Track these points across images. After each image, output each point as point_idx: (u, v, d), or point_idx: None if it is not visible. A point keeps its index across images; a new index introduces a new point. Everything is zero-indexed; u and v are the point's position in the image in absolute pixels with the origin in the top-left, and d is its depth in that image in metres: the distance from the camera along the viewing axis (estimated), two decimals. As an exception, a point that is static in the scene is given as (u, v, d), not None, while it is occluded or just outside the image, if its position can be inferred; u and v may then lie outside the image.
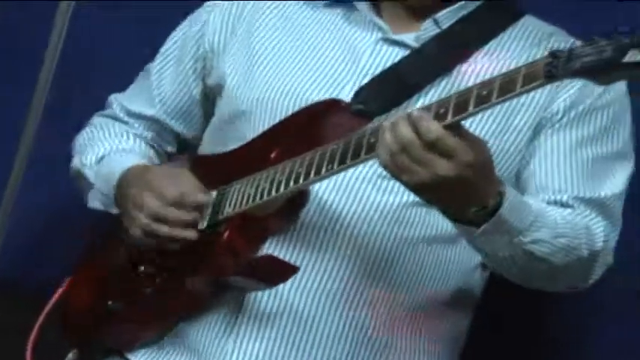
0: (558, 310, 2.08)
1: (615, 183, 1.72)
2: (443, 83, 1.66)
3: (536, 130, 1.69)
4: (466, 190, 1.45)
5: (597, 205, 1.69)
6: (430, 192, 1.46)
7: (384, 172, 1.46)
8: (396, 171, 1.44)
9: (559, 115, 1.68)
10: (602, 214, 1.69)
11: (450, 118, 1.39)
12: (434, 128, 1.39)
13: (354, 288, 1.65)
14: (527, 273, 1.64)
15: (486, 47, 1.70)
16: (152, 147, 1.89)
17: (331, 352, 1.67)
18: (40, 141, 2.16)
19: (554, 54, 1.34)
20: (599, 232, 1.67)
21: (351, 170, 1.55)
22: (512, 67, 1.44)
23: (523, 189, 1.68)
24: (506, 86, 1.37)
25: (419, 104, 1.59)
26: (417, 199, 1.51)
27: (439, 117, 1.40)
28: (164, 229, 1.64)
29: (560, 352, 2.17)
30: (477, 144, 1.43)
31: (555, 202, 1.67)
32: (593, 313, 2.12)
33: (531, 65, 1.37)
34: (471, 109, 1.38)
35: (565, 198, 1.68)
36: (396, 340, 1.70)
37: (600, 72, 1.32)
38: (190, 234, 1.63)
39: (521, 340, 2.11)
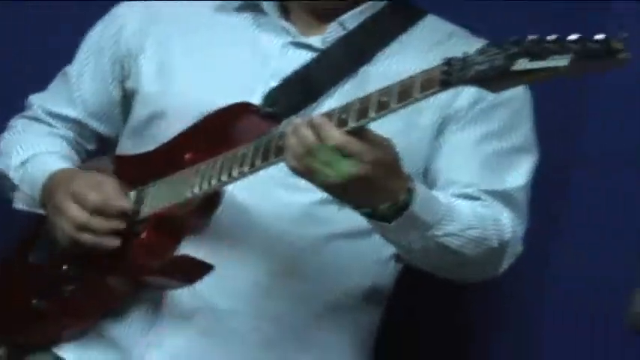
0: (471, 300, 2.18)
1: (520, 175, 1.81)
2: (348, 85, 1.73)
3: (441, 127, 1.77)
4: (375, 188, 1.53)
5: (503, 197, 1.77)
6: (340, 191, 1.53)
7: None
8: (304, 173, 1.51)
9: (462, 112, 1.76)
10: (509, 205, 1.77)
11: (351, 124, 1.47)
12: (334, 134, 1.47)
13: (269, 284, 1.73)
14: (440, 264, 1.72)
15: (388, 48, 1.77)
16: (73, 147, 1.94)
17: (248, 345, 1.75)
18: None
19: (449, 62, 1.43)
20: (507, 223, 1.76)
21: (262, 171, 1.62)
22: (412, 68, 1.52)
23: (431, 184, 1.75)
24: (404, 93, 1.45)
25: (326, 106, 1.66)
26: (328, 196, 1.58)
27: (341, 122, 1.48)
28: (87, 238, 1.71)
29: (472, 342, 2.27)
30: (381, 143, 1.51)
31: (464, 196, 1.74)
32: (503, 302, 2.23)
33: (427, 73, 1.45)
34: (372, 115, 1.46)
35: (472, 191, 1.76)
36: (312, 332, 1.78)
37: (491, 80, 1.40)
38: (113, 242, 1.71)
39: (434, 332, 2.22)
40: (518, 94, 1.76)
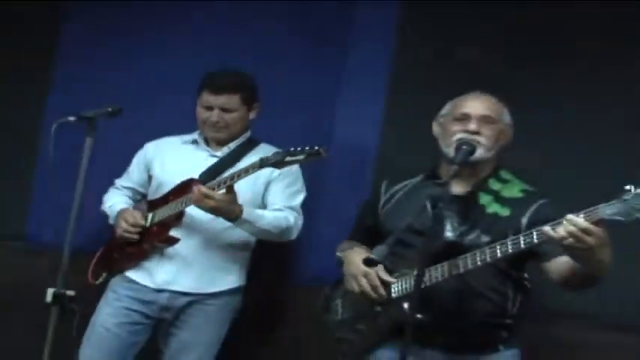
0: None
1: (299, 199, 4.31)
2: (231, 170, 4.15)
3: (268, 183, 4.26)
4: (228, 211, 4.04)
5: (292, 208, 4.27)
6: (217, 213, 4.05)
7: None
8: (201, 206, 4.03)
9: (275, 177, 4.25)
10: (294, 211, 4.27)
11: (228, 183, 3.99)
12: (214, 192, 4.00)
13: (204, 243, 4.22)
14: (265, 236, 4.24)
15: (247, 155, 4.28)
16: (130, 198, 4.51)
17: (197, 267, 4.18)
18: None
19: (261, 159, 3.91)
20: (291, 218, 4.21)
21: (199, 203, 4.25)
22: (250, 162, 4.10)
23: (266, 206, 4.28)
24: (247, 171, 3.95)
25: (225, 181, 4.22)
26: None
27: (219, 185, 4.03)
28: (127, 235, 4.25)
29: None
30: (232, 195, 4.01)
31: (277, 210, 4.24)
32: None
33: (254, 162, 3.93)
34: (234, 180, 3.98)
35: (280, 207, 4.26)
36: (223, 261, 4.23)
37: (277, 164, 3.88)
38: (135, 237, 4.24)
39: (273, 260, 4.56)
40: (296, 168, 4.26)
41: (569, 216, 3.18)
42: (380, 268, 3.69)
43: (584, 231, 3.15)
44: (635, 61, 4.23)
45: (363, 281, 3.67)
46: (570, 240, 3.17)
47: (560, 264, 3.45)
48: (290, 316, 4.60)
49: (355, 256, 3.79)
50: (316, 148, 3.74)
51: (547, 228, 3.23)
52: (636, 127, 4.26)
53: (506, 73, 4.32)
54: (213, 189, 4.01)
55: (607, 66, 4.32)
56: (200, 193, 3.98)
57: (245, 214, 4.08)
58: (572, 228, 3.17)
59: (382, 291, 3.64)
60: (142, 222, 4.27)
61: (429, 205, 3.41)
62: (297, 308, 4.54)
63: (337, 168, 4.62)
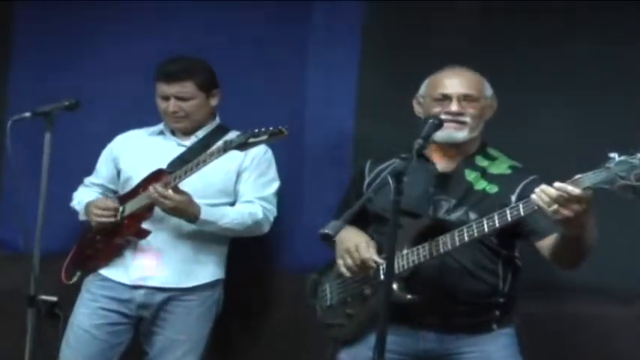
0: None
1: (272, 189, 4.20)
2: (200, 158, 4.05)
3: (239, 173, 4.16)
4: (186, 212, 3.97)
5: (264, 199, 4.17)
6: (175, 213, 3.98)
7: None
8: (159, 206, 3.98)
9: (247, 166, 4.17)
10: (266, 202, 4.17)
11: (194, 170, 3.95)
12: (172, 194, 3.91)
13: (176, 238, 4.14)
14: (231, 234, 4.13)
15: (218, 143, 4.09)
16: (100, 194, 4.38)
17: (171, 260, 4.11)
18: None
19: (225, 142, 3.85)
20: (259, 212, 4.10)
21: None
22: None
23: (237, 197, 4.17)
24: (212, 155, 3.85)
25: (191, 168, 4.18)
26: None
27: (186, 173, 3.95)
28: (101, 221, 4.17)
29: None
30: (187, 196, 3.94)
31: (246, 201, 4.13)
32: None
33: (218, 145, 3.85)
34: (201, 165, 3.89)
35: (251, 198, 4.15)
36: (198, 254, 4.15)
37: (241, 146, 3.79)
38: (110, 220, 4.13)
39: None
40: (268, 156, 4.21)
41: (557, 184, 3.07)
42: (372, 248, 3.57)
43: (572, 198, 3.06)
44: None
45: (356, 255, 3.53)
46: (555, 206, 3.07)
47: (551, 240, 3.37)
48: (277, 305, 4.58)
49: (349, 234, 3.61)
50: (279, 127, 3.66)
51: (533, 196, 3.13)
52: (617, 102, 4.20)
53: (481, 45, 4.31)
54: (180, 176, 3.94)
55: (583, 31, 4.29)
56: (157, 194, 3.92)
57: (204, 215, 4.00)
58: (557, 193, 3.07)
59: (372, 264, 3.50)
60: (114, 204, 4.15)
61: (391, 180, 3.19)
62: (283, 296, 4.53)
63: (314, 151, 4.55)
